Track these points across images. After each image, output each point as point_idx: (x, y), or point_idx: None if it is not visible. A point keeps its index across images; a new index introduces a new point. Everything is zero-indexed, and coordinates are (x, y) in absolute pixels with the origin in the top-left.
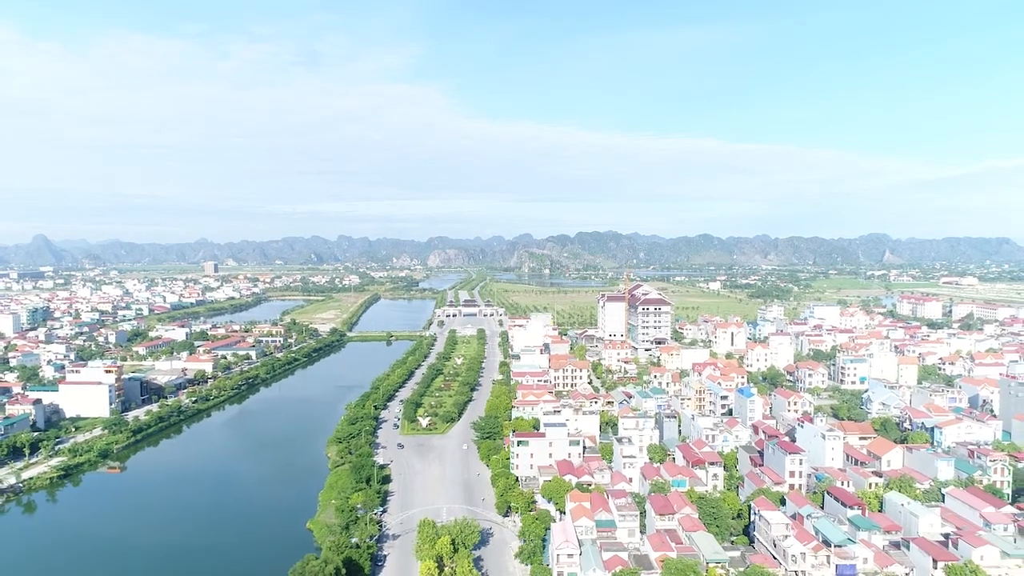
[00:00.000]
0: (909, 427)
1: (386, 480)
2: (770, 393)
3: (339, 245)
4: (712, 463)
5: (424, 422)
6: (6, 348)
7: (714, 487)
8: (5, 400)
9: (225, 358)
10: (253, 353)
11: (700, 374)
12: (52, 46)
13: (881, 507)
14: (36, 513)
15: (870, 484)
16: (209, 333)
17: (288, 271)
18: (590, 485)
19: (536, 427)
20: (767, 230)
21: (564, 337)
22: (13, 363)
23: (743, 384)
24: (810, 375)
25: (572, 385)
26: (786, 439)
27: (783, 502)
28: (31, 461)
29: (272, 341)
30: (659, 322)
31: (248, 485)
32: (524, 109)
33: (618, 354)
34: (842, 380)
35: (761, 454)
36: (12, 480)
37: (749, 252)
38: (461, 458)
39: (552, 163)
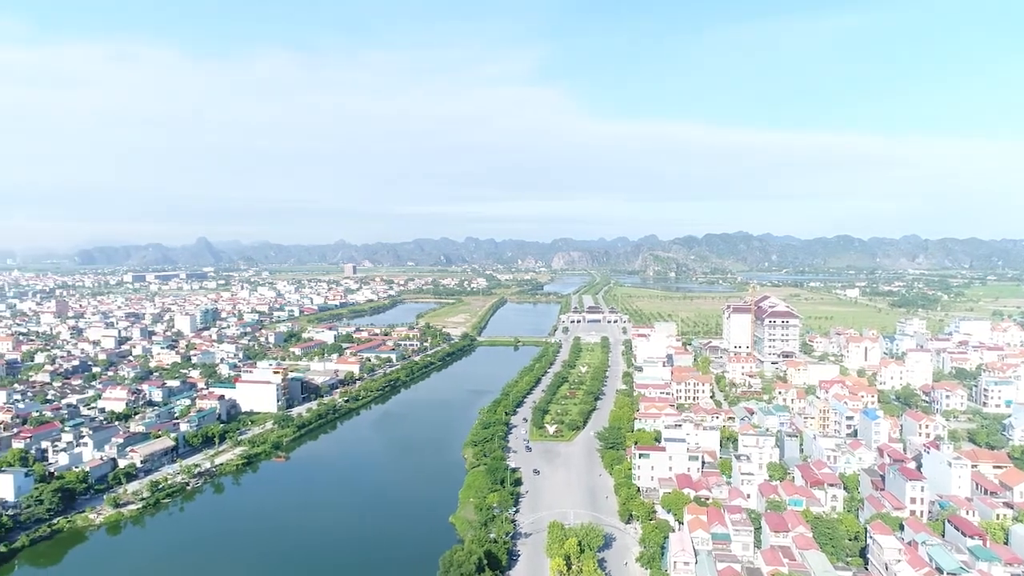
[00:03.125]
0: None
1: (517, 483)
2: (900, 415)
3: (466, 247)
4: (831, 484)
5: (551, 429)
6: (187, 347)
7: (832, 508)
8: (195, 394)
9: (369, 360)
10: (393, 356)
11: (826, 392)
12: (208, 65)
13: (1007, 539)
14: (224, 493)
15: (997, 515)
16: (354, 336)
17: (419, 273)
18: (708, 499)
19: (657, 439)
20: (916, 230)
21: (688, 348)
22: (194, 360)
23: (872, 404)
24: (947, 396)
25: (694, 399)
26: (912, 464)
27: (902, 528)
28: (220, 449)
29: (409, 344)
30: (786, 335)
31: (396, 479)
32: (649, 107)
33: (742, 368)
34: (984, 403)
35: (883, 478)
36: (207, 465)
37: (894, 255)
38: (586, 465)
39: (678, 161)
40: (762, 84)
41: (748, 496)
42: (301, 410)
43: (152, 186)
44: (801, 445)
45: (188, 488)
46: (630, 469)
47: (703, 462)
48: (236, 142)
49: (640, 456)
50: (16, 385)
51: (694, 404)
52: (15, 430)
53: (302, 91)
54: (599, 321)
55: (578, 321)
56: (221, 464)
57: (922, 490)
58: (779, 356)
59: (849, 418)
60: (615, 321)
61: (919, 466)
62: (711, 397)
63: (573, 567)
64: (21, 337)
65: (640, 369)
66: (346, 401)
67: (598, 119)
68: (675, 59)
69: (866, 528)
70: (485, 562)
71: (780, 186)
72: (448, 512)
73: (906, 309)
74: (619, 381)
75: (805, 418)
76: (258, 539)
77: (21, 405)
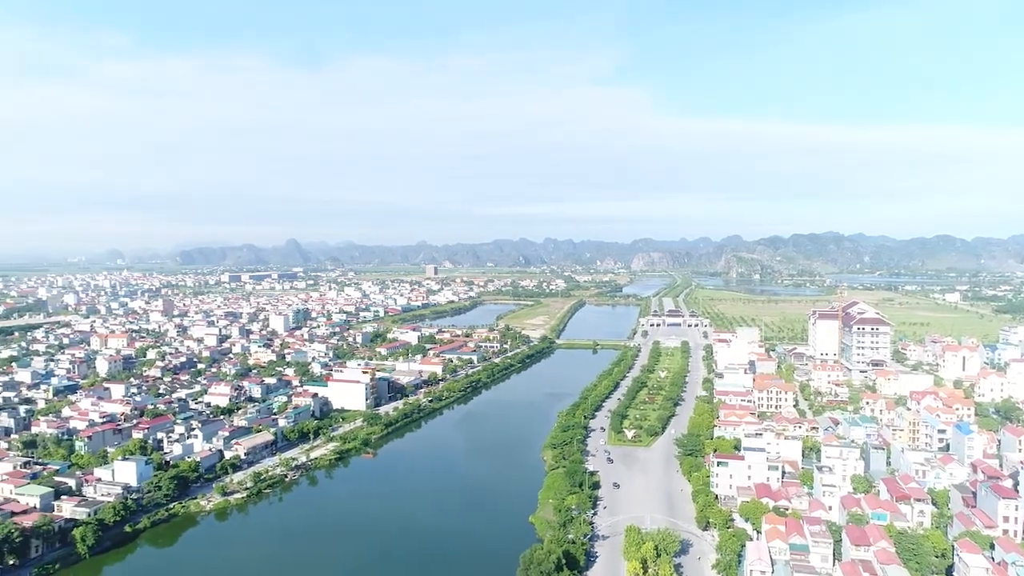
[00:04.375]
0: None
1: (596, 486)
2: (999, 429)
3: (545, 247)
4: (918, 500)
5: (629, 434)
6: (281, 345)
7: (919, 524)
8: (290, 392)
9: (452, 361)
10: (474, 357)
11: (918, 404)
12: (296, 73)
13: None
14: (318, 486)
15: None
16: (436, 337)
17: (498, 274)
18: (787, 509)
19: (737, 448)
20: None
21: (771, 354)
22: (288, 358)
23: (968, 417)
24: None
25: (776, 407)
26: (1008, 482)
27: (992, 547)
28: (314, 444)
29: (490, 346)
30: (876, 343)
31: (477, 478)
32: (733, 104)
33: (828, 376)
34: None
35: (975, 495)
36: (303, 459)
37: (1001, 256)
38: (664, 471)
39: (764, 159)
40: (853, 77)
41: (830, 508)
42: (388, 409)
43: (245, 190)
44: (888, 458)
45: (286, 480)
46: (708, 476)
47: (783, 472)
48: (322, 146)
49: (718, 464)
50: (132, 379)
51: (776, 413)
52: (134, 421)
53: (385, 96)
54: (679, 325)
55: (658, 324)
56: (315, 458)
57: (1016, 508)
58: (868, 364)
59: (941, 431)
60: (696, 325)
61: (1016, 484)
62: (794, 406)
63: (650, 570)
64: (134, 334)
65: (721, 376)
66: (430, 401)
67: (680, 117)
68: (758, 54)
69: (953, 546)
70: (564, 562)
71: (874, 183)
72: (528, 512)
73: (1012, 315)
74: (699, 387)
75: (894, 430)
76: (349, 530)
77: (138, 398)
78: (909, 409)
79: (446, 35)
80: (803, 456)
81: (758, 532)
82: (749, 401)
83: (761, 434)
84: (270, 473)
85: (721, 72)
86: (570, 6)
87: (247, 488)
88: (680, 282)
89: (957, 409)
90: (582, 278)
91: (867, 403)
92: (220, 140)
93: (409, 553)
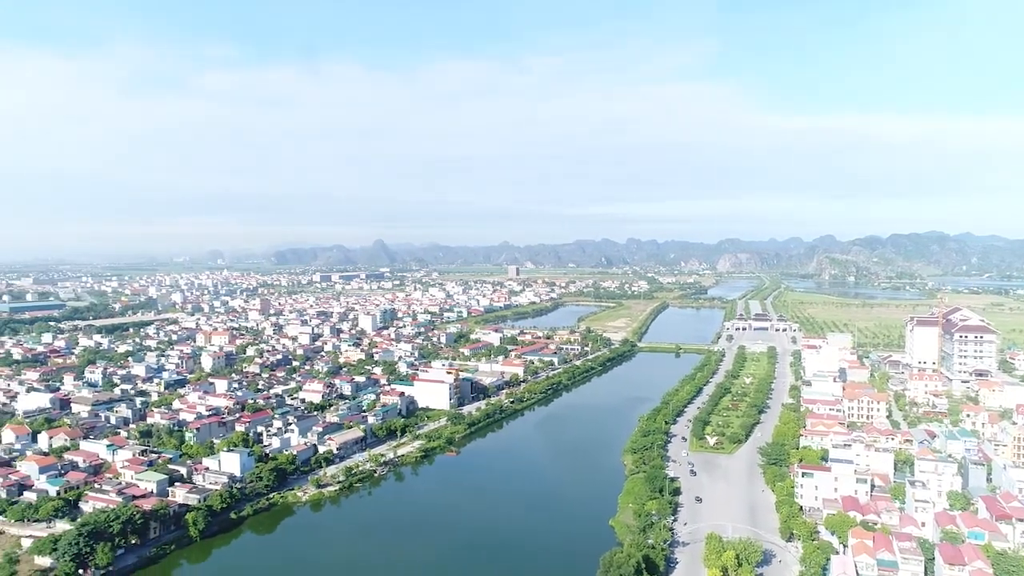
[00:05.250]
0: None
1: (676, 492)
2: None
3: (627, 248)
4: (1021, 520)
5: (711, 441)
6: (369, 345)
7: (1021, 546)
8: (378, 390)
9: (533, 363)
10: (555, 360)
11: None
12: (384, 78)
13: None
14: (405, 482)
15: None
16: (518, 339)
17: (580, 274)
18: (876, 524)
19: (824, 459)
20: None
21: (864, 362)
22: (376, 357)
23: None
24: None
25: (868, 418)
26: None
27: None
28: (401, 441)
29: (570, 349)
30: (980, 352)
31: (557, 479)
32: (823, 99)
33: (926, 386)
34: None
35: None
36: (391, 455)
37: None
38: (747, 480)
39: (859, 154)
40: (955, 66)
41: (922, 525)
42: (471, 408)
43: (335, 191)
44: (989, 475)
45: (375, 475)
46: (793, 487)
47: (872, 485)
48: (410, 149)
49: (804, 475)
50: (233, 375)
51: (867, 423)
52: (237, 415)
53: (470, 98)
54: (766, 329)
55: (743, 328)
56: (402, 455)
57: None
58: (971, 375)
59: None
60: (784, 330)
61: None
62: (887, 417)
63: None
64: (234, 332)
65: (809, 383)
66: (511, 402)
67: (768, 113)
68: (849, 46)
69: None
70: (643, 566)
71: (984, 178)
72: (607, 515)
73: None
74: (785, 395)
75: (996, 445)
76: (433, 525)
77: (239, 393)
78: (1015, 423)
79: (530, 35)
80: (895, 470)
81: (844, 546)
82: (838, 410)
83: (850, 445)
84: (360, 468)
85: (809, 66)
86: (656, 1)
87: (339, 481)
88: (768, 284)
89: None
90: (665, 279)
91: (968, 416)
92: (312, 144)
93: (490, 548)
